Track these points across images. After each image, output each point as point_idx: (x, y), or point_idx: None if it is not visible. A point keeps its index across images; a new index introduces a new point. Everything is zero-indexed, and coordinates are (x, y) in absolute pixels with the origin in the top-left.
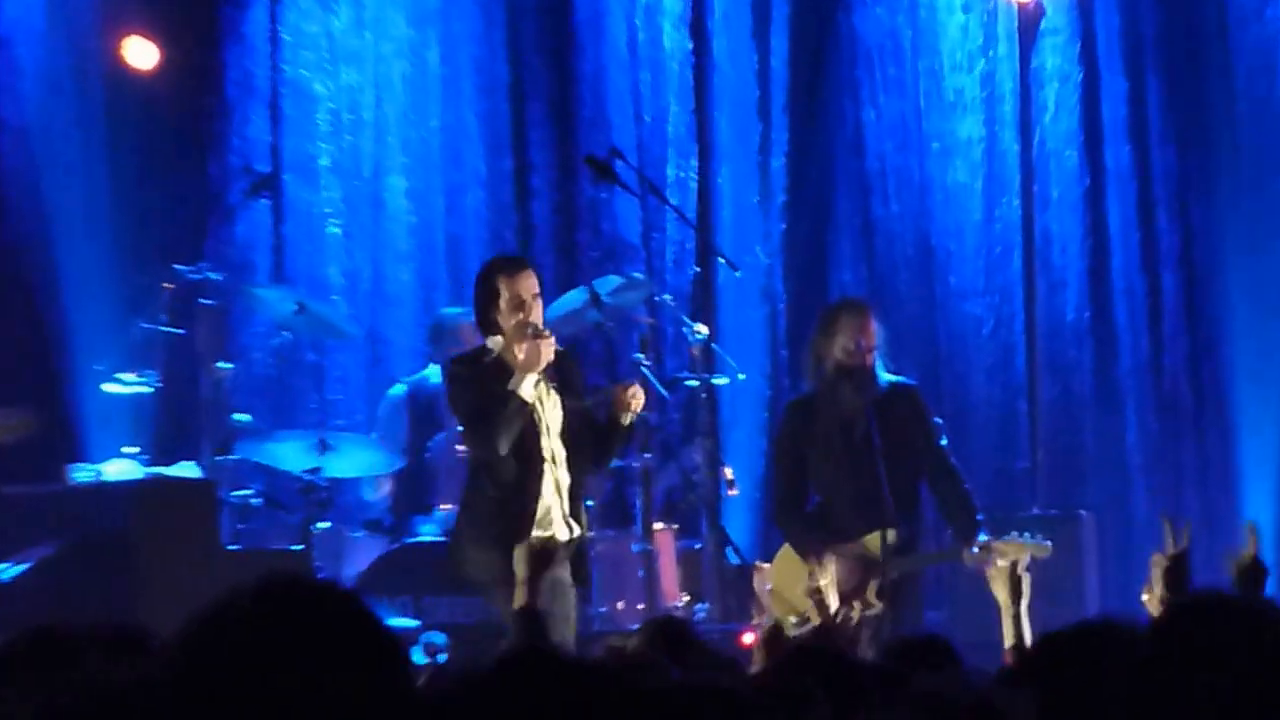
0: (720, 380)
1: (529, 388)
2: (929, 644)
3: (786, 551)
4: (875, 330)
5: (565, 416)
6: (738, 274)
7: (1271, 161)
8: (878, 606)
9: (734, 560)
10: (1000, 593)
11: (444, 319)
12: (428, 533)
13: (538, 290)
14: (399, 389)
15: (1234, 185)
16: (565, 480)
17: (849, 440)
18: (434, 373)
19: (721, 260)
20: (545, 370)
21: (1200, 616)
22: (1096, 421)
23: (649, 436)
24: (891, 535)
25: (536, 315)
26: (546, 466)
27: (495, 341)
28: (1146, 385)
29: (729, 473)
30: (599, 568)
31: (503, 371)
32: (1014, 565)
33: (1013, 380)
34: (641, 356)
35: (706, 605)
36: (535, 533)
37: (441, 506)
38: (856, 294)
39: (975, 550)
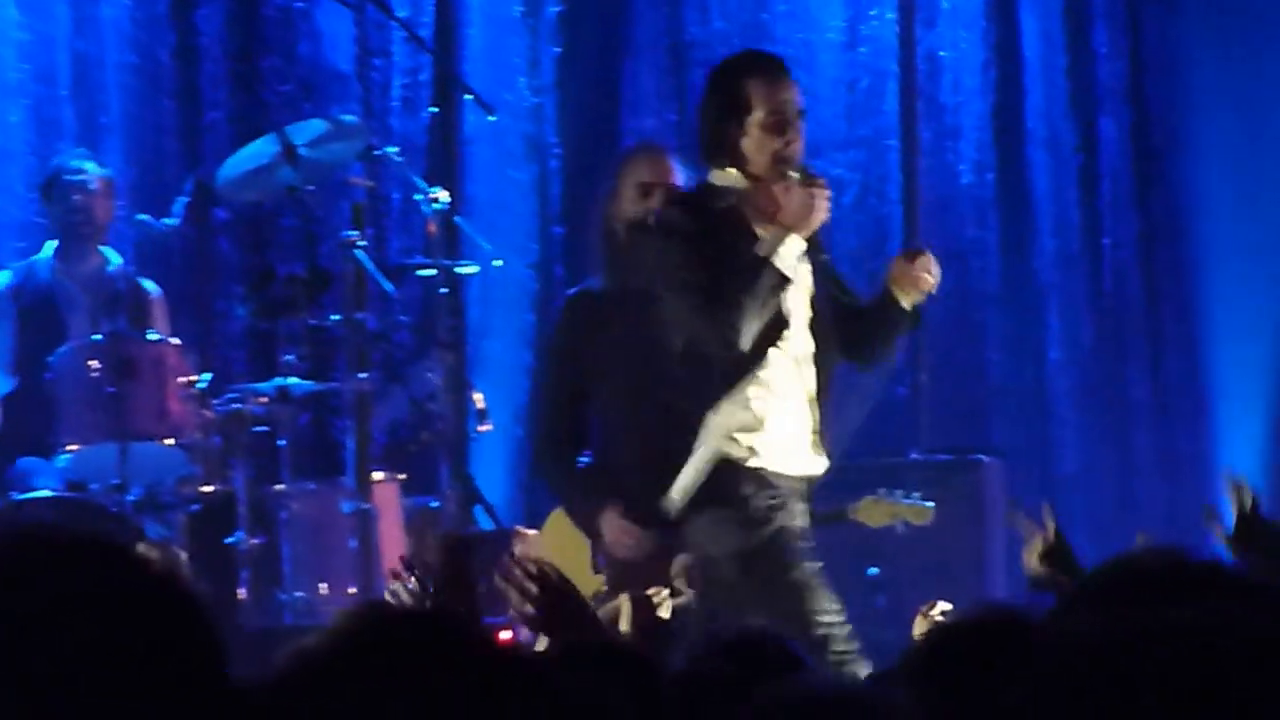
0: (468, 269)
1: (790, 255)
2: (759, 644)
3: (560, 516)
4: (678, 171)
5: (817, 299)
6: (493, 118)
7: None
8: (687, 594)
9: (486, 525)
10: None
11: (63, 170)
12: (46, 485)
13: (802, 107)
14: (1, 279)
15: None
16: (813, 392)
17: (650, 353)
18: (53, 251)
19: (470, 98)
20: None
21: (1112, 595)
22: (1005, 332)
23: (366, 348)
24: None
25: (798, 147)
26: (793, 373)
27: (728, 179)
28: (1078, 280)
29: (480, 400)
30: (293, 535)
31: (740, 225)
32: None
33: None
34: (355, 234)
35: None
36: (774, 468)
37: (68, 448)
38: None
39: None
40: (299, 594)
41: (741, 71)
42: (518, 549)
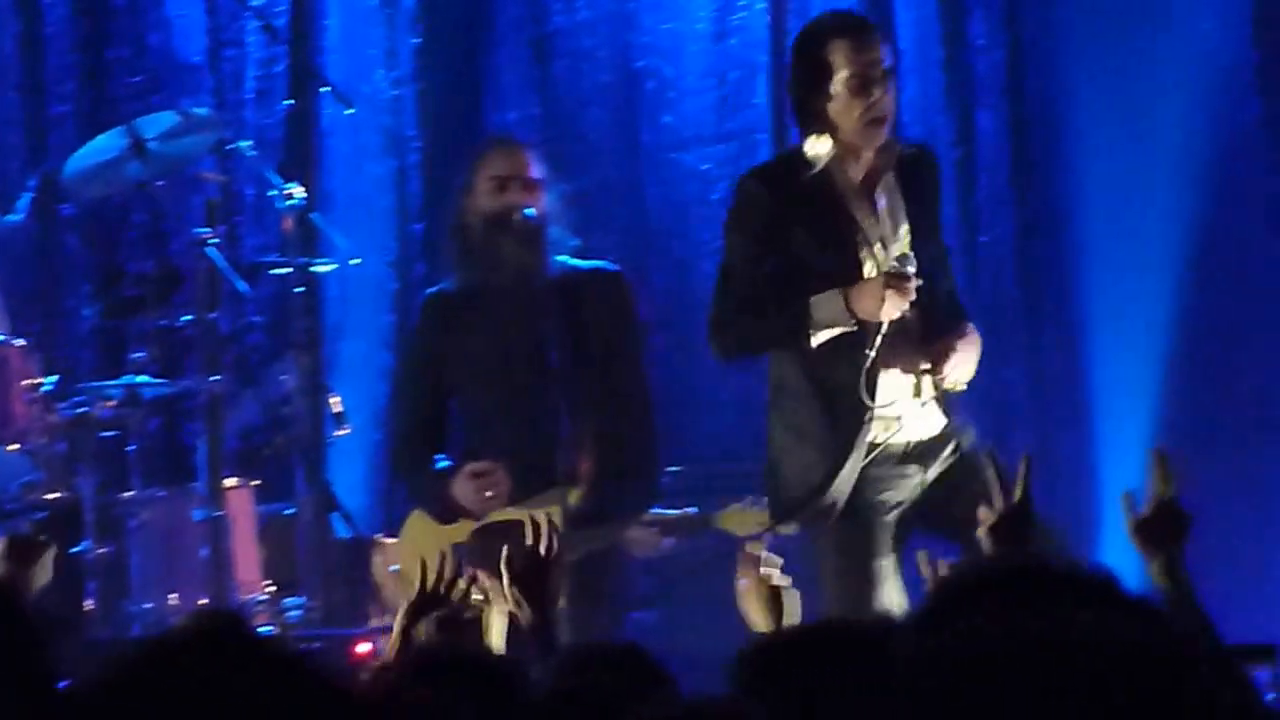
0: (324, 267)
1: (832, 333)
2: (623, 657)
3: (419, 519)
4: (532, 164)
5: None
6: (350, 111)
7: None
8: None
9: (344, 533)
10: (753, 607)
11: None
12: None
13: (891, 63)
14: None
15: None
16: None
17: (509, 352)
18: None
19: (326, 90)
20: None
21: (974, 600)
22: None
23: (219, 349)
24: (574, 496)
25: (885, 104)
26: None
27: (817, 146)
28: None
29: (337, 403)
30: (142, 544)
31: (825, 195)
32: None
33: None
34: (207, 231)
35: (303, 599)
36: (881, 434)
37: None
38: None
39: (649, 525)
40: (148, 605)
41: (823, 34)
42: (376, 557)
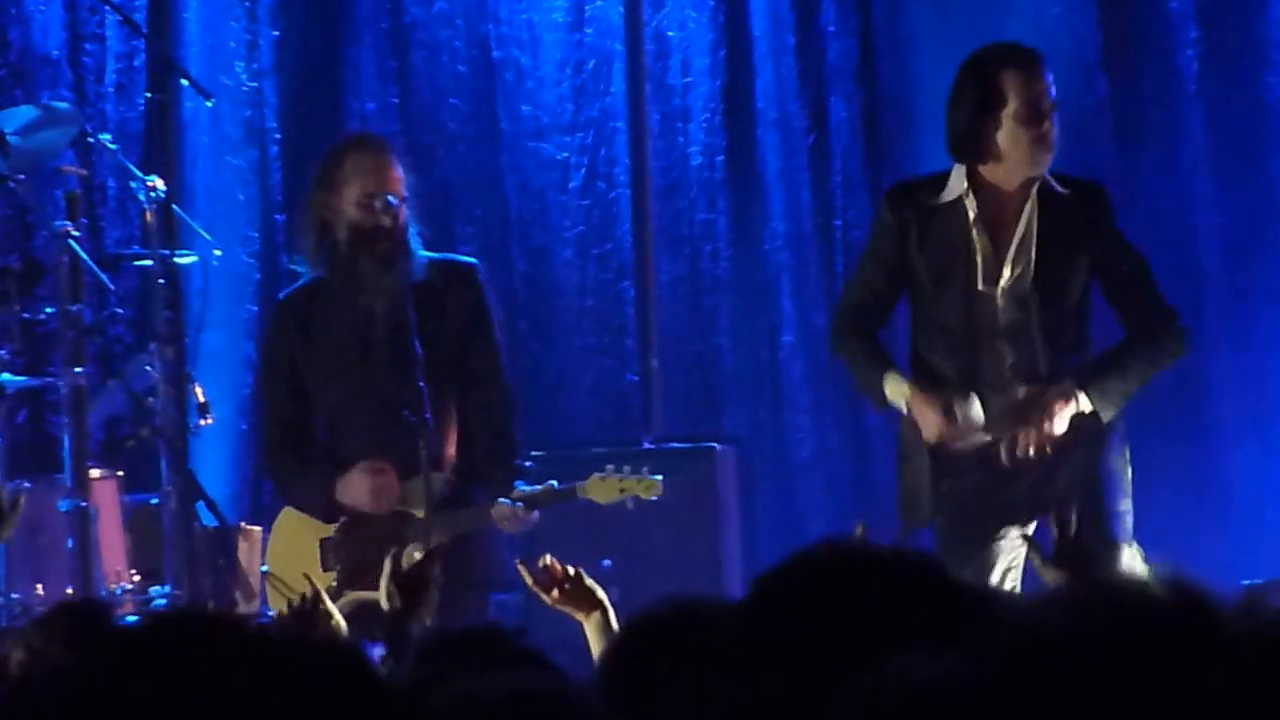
0: (186, 258)
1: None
2: (486, 637)
3: (290, 516)
4: (400, 177)
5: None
6: (210, 103)
7: None
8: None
9: (209, 522)
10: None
11: None
12: None
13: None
14: None
15: None
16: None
17: (369, 345)
18: None
19: (186, 83)
20: None
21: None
22: (736, 316)
23: (82, 341)
24: (438, 481)
25: (1052, 138)
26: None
27: (960, 176)
28: (809, 263)
29: (200, 394)
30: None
31: (954, 226)
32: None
33: (615, 255)
34: (69, 224)
35: (169, 588)
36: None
37: None
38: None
39: (507, 503)
40: (15, 595)
41: (996, 63)
42: (242, 545)
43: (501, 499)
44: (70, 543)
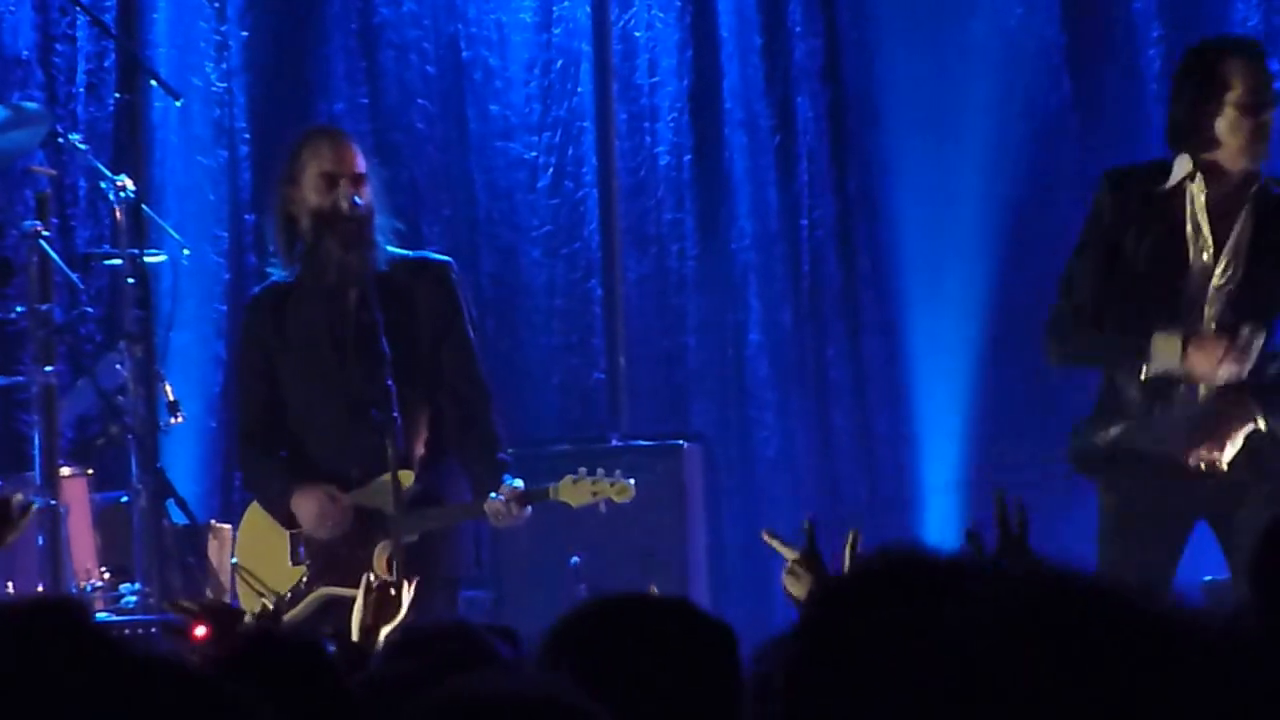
0: (156, 257)
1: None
2: (452, 635)
3: (258, 510)
4: (357, 156)
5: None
6: (179, 103)
7: None
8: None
9: (179, 519)
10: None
11: None
12: None
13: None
14: None
15: None
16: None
17: (339, 343)
18: None
19: (156, 84)
20: None
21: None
22: (704, 315)
23: (52, 340)
24: (407, 479)
25: (1269, 128)
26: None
27: (1183, 165)
28: (776, 262)
29: (170, 392)
30: None
31: (1172, 215)
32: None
33: (583, 254)
34: (39, 224)
35: (138, 585)
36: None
37: None
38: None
39: (500, 498)
40: None
41: (1220, 52)
42: (212, 543)
43: (493, 494)
44: (40, 540)
